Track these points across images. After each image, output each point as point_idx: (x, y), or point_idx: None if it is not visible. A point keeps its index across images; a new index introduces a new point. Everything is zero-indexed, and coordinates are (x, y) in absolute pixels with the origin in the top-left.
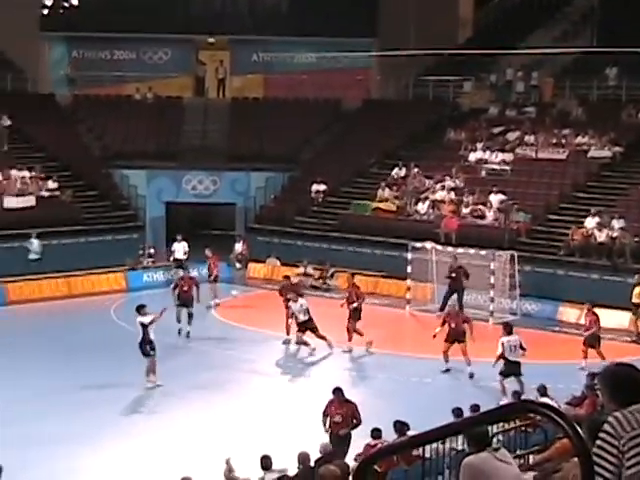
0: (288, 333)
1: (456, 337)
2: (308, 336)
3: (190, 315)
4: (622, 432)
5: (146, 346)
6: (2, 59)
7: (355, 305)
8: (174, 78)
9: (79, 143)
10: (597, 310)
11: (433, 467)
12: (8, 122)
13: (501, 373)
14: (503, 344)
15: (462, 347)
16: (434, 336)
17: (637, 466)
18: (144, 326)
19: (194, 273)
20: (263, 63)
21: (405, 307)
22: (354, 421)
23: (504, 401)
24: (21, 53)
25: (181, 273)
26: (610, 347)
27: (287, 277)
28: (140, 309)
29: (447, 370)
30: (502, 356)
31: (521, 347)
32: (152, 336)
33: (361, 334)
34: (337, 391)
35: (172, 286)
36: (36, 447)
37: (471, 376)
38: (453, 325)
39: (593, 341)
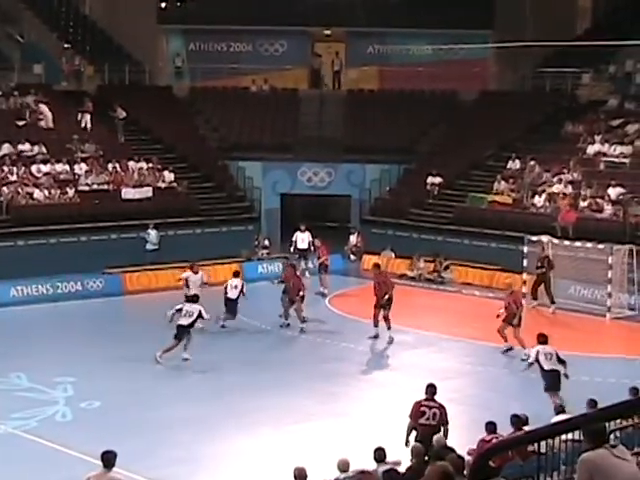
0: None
1: (506, 318)
2: None
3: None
4: None
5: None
6: (120, 52)
7: (387, 296)
8: (290, 70)
9: (196, 135)
10: None
11: (549, 463)
12: (123, 114)
13: (546, 390)
14: (538, 352)
15: (509, 328)
16: (497, 316)
17: None
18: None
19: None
20: (379, 55)
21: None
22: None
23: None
24: (139, 46)
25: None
26: None
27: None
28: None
29: (506, 350)
30: (536, 363)
31: (558, 359)
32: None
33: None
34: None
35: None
36: (158, 433)
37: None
38: (506, 305)
39: None
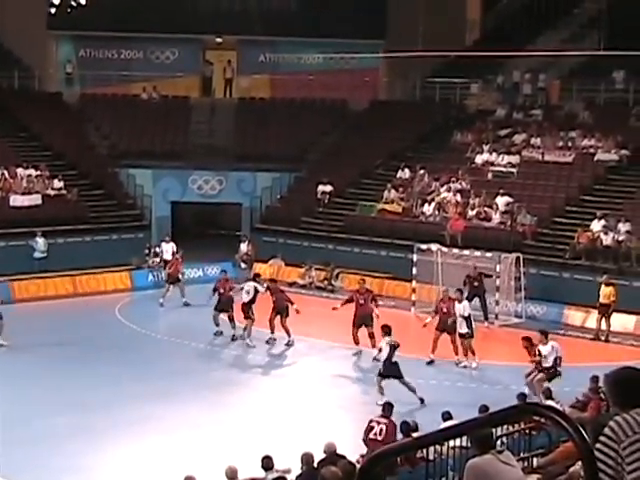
0: None
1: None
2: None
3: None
4: (623, 436)
5: None
6: (9, 57)
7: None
8: (181, 78)
9: (86, 142)
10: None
11: (437, 469)
12: None
13: (380, 374)
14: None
15: (451, 338)
16: (424, 325)
17: (638, 471)
18: None
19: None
20: (270, 63)
21: (410, 309)
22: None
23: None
24: (28, 51)
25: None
26: (617, 350)
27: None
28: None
29: (431, 362)
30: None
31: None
32: None
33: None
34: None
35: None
36: (45, 443)
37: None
38: (445, 310)
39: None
